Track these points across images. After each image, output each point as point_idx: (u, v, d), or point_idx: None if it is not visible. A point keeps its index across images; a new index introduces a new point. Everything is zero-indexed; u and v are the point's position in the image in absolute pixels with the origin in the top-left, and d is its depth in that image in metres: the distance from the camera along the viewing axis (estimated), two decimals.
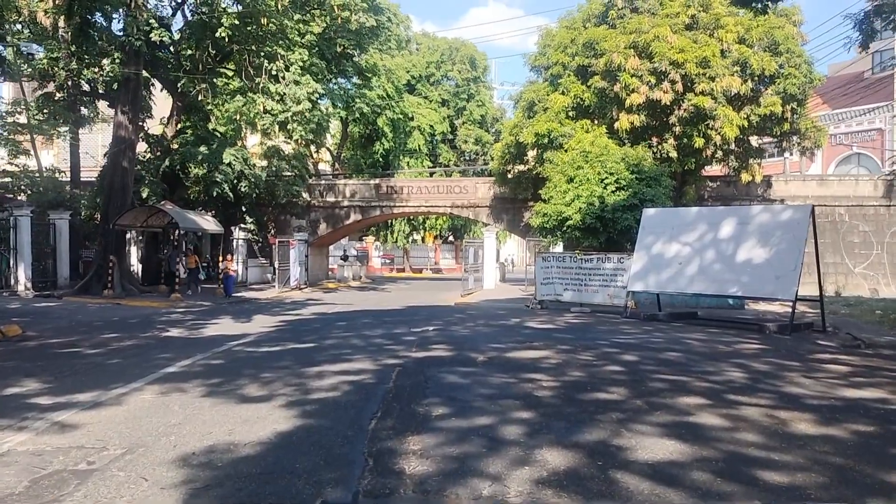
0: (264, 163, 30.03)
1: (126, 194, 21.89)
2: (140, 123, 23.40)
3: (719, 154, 25.21)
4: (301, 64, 22.50)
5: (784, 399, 7.27)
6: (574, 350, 10.91)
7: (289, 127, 22.34)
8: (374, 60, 45.20)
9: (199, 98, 27.44)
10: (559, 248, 26.60)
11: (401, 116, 46.49)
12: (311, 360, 9.66)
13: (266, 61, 21.03)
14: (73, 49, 21.40)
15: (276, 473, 4.69)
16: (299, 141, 25.17)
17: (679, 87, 22.88)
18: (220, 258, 21.98)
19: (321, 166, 49.75)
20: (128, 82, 21.27)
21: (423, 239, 56.85)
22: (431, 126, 48.84)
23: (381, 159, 47.47)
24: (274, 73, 21.30)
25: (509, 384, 7.98)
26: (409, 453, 5.16)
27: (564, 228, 21.45)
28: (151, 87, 30.30)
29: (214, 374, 8.64)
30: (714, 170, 33.99)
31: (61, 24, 18.19)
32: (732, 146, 25.33)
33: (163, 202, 25.67)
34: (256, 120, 23.59)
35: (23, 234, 21.28)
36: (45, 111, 25.51)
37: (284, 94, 21.21)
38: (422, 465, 4.87)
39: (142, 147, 30.86)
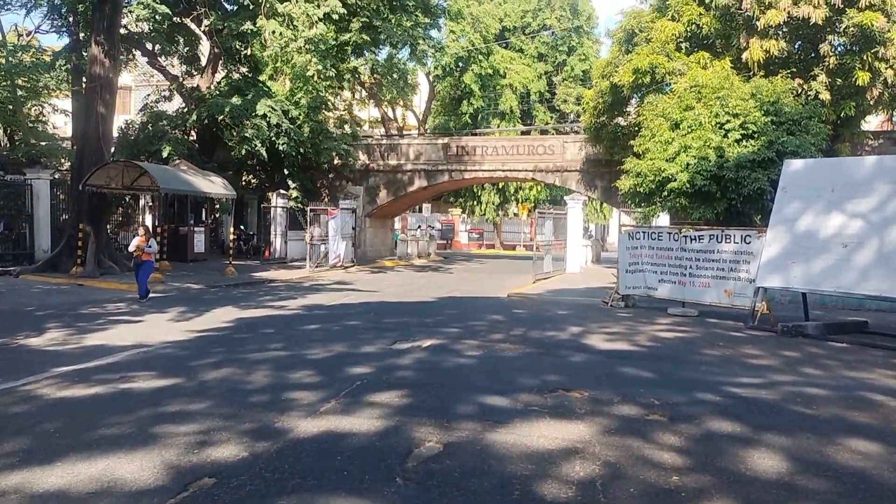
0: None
1: (102, 148, 17.48)
2: (119, 60, 18.95)
3: (887, 96, 18.32)
4: None
5: None
6: (642, 422, 5.36)
7: (301, 59, 17.32)
8: (458, 7, 40.02)
9: (227, 37, 23.27)
10: (665, 220, 20.68)
11: (490, 72, 40.97)
12: (48, 453, 4.68)
13: None
14: None
15: None
16: (316, 79, 19.83)
17: None
18: (233, 230, 17.20)
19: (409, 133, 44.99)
20: (102, 4, 16.79)
21: (516, 212, 50.91)
22: (525, 85, 42.97)
23: (469, 121, 42.18)
24: None
25: None
26: None
27: (665, 193, 15.37)
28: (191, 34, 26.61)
29: None
30: (875, 123, 26.65)
31: None
32: None
33: (177, 161, 21.60)
34: (269, 52, 18.62)
35: None
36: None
37: (293, 14, 16.19)
38: None
39: (178, 102, 27.18)
